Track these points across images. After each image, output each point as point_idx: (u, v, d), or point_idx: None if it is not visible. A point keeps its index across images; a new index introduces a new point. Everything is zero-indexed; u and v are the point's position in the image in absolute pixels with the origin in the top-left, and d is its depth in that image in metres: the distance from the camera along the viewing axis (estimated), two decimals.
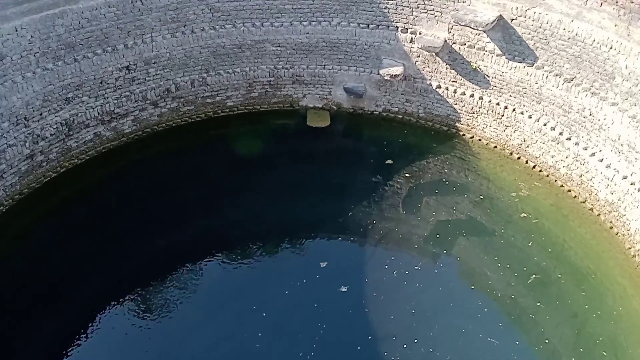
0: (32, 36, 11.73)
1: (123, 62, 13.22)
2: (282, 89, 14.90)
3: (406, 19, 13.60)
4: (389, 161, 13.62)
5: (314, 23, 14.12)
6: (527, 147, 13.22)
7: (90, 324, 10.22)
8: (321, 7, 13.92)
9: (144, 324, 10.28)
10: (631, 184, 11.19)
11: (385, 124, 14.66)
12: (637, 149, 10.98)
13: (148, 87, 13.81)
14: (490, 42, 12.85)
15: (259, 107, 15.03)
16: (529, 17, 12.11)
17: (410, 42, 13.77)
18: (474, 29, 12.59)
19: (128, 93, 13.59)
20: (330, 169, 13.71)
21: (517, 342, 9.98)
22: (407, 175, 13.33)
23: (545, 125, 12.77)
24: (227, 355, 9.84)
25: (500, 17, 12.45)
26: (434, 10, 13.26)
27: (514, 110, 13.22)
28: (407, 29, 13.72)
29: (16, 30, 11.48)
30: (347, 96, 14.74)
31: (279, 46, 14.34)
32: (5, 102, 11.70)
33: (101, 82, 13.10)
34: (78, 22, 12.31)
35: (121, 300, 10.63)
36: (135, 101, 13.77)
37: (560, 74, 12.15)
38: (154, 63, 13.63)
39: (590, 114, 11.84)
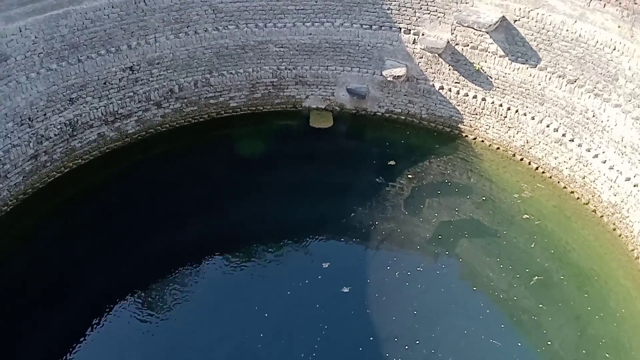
0: (36, 37, 11.79)
1: (127, 62, 13.27)
2: (285, 90, 14.92)
3: (409, 20, 13.61)
4: (392, 162, 13.62)
5: (317, 24, 14.14)
6: (530, 148, 13.20)
7: (93, 324, 10.27)
8: (324, 8, 13.93)
9: (147, 324, 10.31)
10: (634, 186, 11.16)
11: (387, 125, 14.66)
12: None
13: (151, 87, 13.85)
14: (493, 44, 12.84)
15: (262, 108, 15.06)
16: (532, 18, 12.10)
17: (413, 43, 13.77)
18: (476, 30, 12.58)
19: (132, 94, 13.64)
20: (333, 169, 13.72)
21: (519, 344, 9.96)
22: (409, 176, 13.33)
23: (548, 126, 12.75)
24: (229, 355, 9.85)
25: (503, 19, 12.44)
26: (436, 11, 13.26)
27: (516, 111, 13.21)
28: (409, 30, 13.72)
29: (20, 31, 11.53)
30: (350, 97, 14.75)
31: (282, 47, 14.37)
32: (10, 102, 11.75)
33: (105, 83, 13.15)
34: (82, 22, 12.36)
35: (124, 300, 10.67)
36: (139, 102, 13.81)
37: (563, 75, 12.13)
38: (158, 64, 13.67)
39: (594, 116, 11.81)
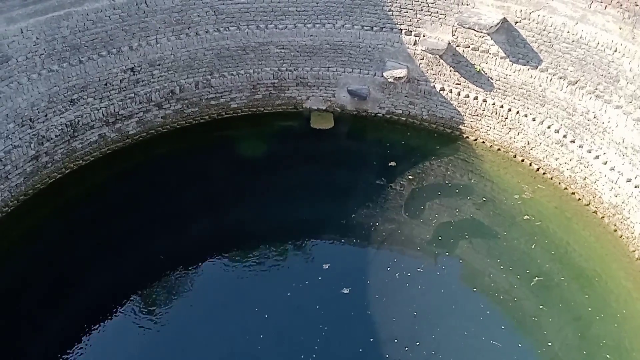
0: (37, 38, 11.82)
1: (128, 63, 13.29)
2: (286, 91, 14.94)
3: (410, 21, 13.62)
4: (392, 163, 13.62)
5: (317, 25, 14.15)
6: (531, 149, 13.20)
7: (93, 324, 10.27)
8: (325, 9, 13.95)
9: (147, 324, 10.32)
10: (635, 187, 11.15)
11: (388, 126, 14.67)
12: None
13: (152, 88, 13.87)
14: (494, 45, 12.84)
15: (262, 109, 15.07)
16: (533, 20, 12.10)
17: (414, 44, 13.78)
18: (477, 31, 12.59)
19: (133, 95, 13.66)
20: (334, 170, 13.73)
21: (520, 345, 9.95)
22: (410, 177, 13.33)
23: (549, 127, 12.74)
24: (228, 356, 9.86)
25: (504, 20, 12.44)
26: (437, 12, 13.27)
27: (517, 112, 13.20)
28: (411, 31, 13.73)
29: (22, 32, 11.56)
30: (351, 98, 14.76)
31: (283, 48, 14.38)
32: (11, 103, 11.78)
33: (106, 84, 13.17)
34: (83, 24, 12.38)
35: (125, 300, 10.67)
36: (140, 103, 13.83)
37: (565, 77, 12.13)
38: (159, 65, 13.70)
39: (595, 117, 11.81)
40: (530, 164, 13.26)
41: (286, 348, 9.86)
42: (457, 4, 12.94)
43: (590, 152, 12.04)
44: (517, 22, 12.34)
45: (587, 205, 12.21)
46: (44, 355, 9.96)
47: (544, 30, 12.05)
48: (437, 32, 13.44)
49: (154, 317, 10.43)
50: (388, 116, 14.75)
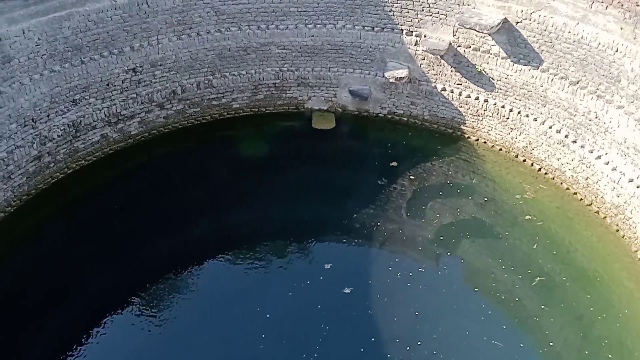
0: (39, 38, 11.84)
1: (129, 64, 13.32)
2: (287, 92, 14.95)
3: (411, 21, 13.63)
4: (394, 163, 13.62)
5: (319, 26, 14.17)
6: (533, 149, 13.19)
7: (96, 325, 10.27)
8: (326, 9, 13.97)
9: (149, 324, 10.32)
10: (637, 187, 11.14)
11: (390, 126, 14.67)
12: None
13: (154, 89, 13.89)
14: (495, 45, 12.85)
15: (264, 109, 15.09)
16: (534, 20, 12.11)
17: (415, 44, 13.79)
18: (478, 32, 12.59)
19: (134, 95, 13.69)
20: (335, 171, 13.73)
21: (521, 345, 9.94)
22: (411, 177, 13.33)
23: (550, 128, 12.74)
24: (230, 356, 9.87)
25: (505, 20, 12.44)
26: (438, 13, 13.27)
27: (519, 113, 13.21)
28: (412, 31, 13.74)
29: (23, 33, 11.58)
30: (352, 98, 14.77)
31: (284, 49, 14.40)
32: (13, 103, 11.80)
33: (108, 84, 13.19)
34: (85, 24, 12.40)
35: (127, 300, 10.67)
36: (142, 103, 13.86)
37: (566, 77, 12.13)
38: (160, 65, 13.72)
39: (596, 117, 11.80)
40: (532, 164, 13.26)
41: (288, 348, 9.86)
42: (458, 5, 12.95)
43: (592, 152, 12.04)
44: (518, 22, 12.34)
45: (589, 205, 12.20)
46: (45, 355, 9.96)
47: (545, 30, 12.06)
48: (438, 32, 13.45)
49: (156, 317, 10.44)
50: (389, 116, 14.76)
